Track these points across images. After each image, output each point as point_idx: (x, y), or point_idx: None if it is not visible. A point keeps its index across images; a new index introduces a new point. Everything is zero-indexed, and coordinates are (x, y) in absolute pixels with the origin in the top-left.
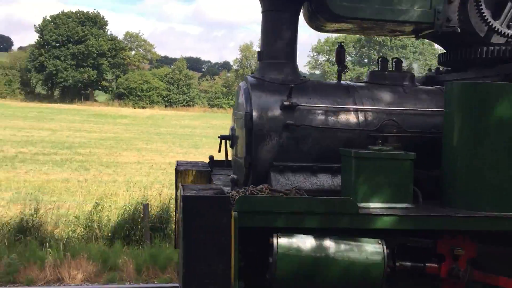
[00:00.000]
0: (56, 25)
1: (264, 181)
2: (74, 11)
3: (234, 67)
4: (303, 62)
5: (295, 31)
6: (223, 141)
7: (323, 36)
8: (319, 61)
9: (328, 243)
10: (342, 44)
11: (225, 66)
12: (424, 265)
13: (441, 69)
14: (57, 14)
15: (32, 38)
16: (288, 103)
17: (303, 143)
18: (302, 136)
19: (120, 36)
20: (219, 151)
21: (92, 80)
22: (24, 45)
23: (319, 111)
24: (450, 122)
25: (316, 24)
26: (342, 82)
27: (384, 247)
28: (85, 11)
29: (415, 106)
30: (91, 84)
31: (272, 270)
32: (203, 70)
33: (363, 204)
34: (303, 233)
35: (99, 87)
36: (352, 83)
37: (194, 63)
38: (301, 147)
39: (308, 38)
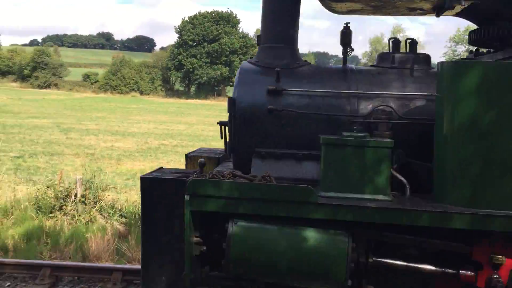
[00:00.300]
0: (193, 25)
1: (247, 168)
2: (209, 11)
3: (363, 60)
4: (439, 53)
5: (296, 14)
6: (223, 127)
7: (462, 24)
8: (457, 52)
9: (285, 232)
10: (348, 25)
11: (353, 60)
12: (457, 272)
13: (480, 50)
14: (194, 15)
15: (172, 38)
16: (273, 87)
17: (287, 129)
18: (286, 121)
19: (251, 34)
20: (221, 137)
21: (224, 77)
22: (165, 45)
23: (306, 96)
24: (440, 108)
25: (325, 4)
26: (345, 66)
27: (349, 240)
28: (219, 10)
29: (419, 90)
30: (223, 81)
31: (226, 256)
32: (330, 64)
33: (331, 194)
34: (265, 220)
35: (231, 83)
36: (354, 67)
37: (321, 58)
38: (285, 133)
39: (444, 28)
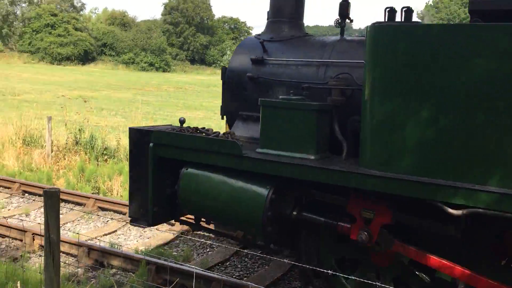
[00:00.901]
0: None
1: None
2: None
3: None
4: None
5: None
6: None
7: None
8: None
9: (221, 180)
10: None
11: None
12: (336, 223)
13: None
14: None
15: None
16: (254, 57)
17: (264, 95)
18: (264, 88)
19: None
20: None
21: None
22: None
23: (283, 65)
24: (365, 72)
25: None
26: (336, 37)
27: (270, 192)
28: None
29: None
30: None
31: (177, 196)
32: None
33: (263, 150)
34: (212, 169)
35: None
36: (346, 38)
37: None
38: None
39: None
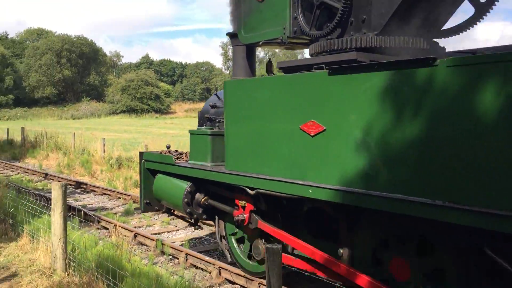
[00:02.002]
0: None
1: None
2: None
3: None
4: None
5: (253, 56)
6: None
7: None
8: None
9: (169, 180)
10: (270, 59)
11: None
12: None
13: None
14: None
15: None
16: (212, 103)
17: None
18: (212, 122)
19: None
20: None
21: None
22: None
23: (220, 108)
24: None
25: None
26: None
27: (187, 187)
28: None
29: None
30: None
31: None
32: None
33: (192, 161)
34: (167, 174)
35: None
36: None
37: None
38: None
39: None
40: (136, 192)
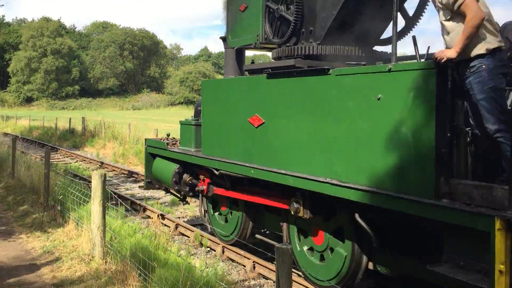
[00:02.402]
0: None
1: None
2: None
3: None
4: None
5: (242, 57)
6: None
7: None
8: None
9: (164, 162)
10: (253, 61)
11: None
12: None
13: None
14: None
15: None
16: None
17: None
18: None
19: None
20: None
21: None
22: None
23: None
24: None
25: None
26: None
27: (175, 168)
28: None
29: None
30: None
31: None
32: None
33: (181, 147)
34: (164, 158)
35: None
36: None
37: None
38: None
39: None
40: None
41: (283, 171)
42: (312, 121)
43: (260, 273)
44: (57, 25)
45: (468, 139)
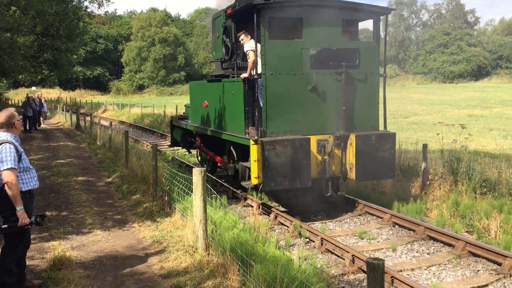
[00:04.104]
0: None
1: None
2: None
3: None
4: None
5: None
6: None
7: None
8: None
9: (177, 129)
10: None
11: None
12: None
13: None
14: None
15: None
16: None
17: None
18: None
19: None
20: None
21: None
22: None
23: None
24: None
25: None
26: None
27: (181, 132)
28: None
29: None
30: None
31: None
32: None
33: (186, 120)
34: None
35: None
36: None
37: None
38: None
39: None
40: None
41: (222, 132)
42: (219, 103)
43: (360, 267)
44: (163, 15)
45: (256, 108)
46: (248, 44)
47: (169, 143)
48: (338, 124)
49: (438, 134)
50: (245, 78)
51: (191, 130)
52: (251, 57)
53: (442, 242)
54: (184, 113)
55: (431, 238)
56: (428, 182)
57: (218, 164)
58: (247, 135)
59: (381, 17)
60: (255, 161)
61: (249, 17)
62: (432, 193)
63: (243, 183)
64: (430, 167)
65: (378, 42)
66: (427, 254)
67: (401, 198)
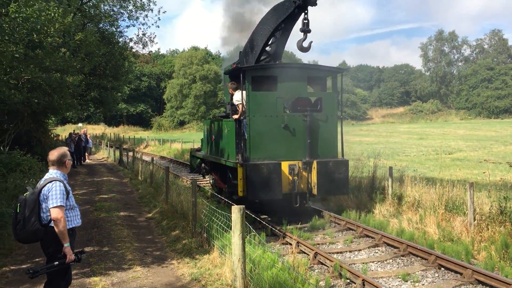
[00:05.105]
0: None
1: None
2: None
3: None
4: None
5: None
6: None
7: None
8: None
9: (195, 158)
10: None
11: None
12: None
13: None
14: None
15: None
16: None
17: None
18: None
19: None
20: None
21: None
22: None
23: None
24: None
25: None
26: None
27: (199, 161)
28: None
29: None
30: None
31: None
32: None
33: (201, 151)
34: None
35: None
36: None
37: None
38: None
39: None
40: (317, 206)
41: (220, 158)
42: (219, 137)
43: None
44: (204, 53)
45: (242, 141)
46: (235, 98)
47: (209, 180)
48: (305, 153)
49: (484, 172)
50: (236, 119)
51: (201, 158)
52: (239, 108)
53: (491, 286)
54: (201, 146)
55: (479, 282)
56: (475, 222)
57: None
58: (236, 160)
59: (338, 74)
60: (240, 179)
61: (239, 76)
62: (479, 234)
63: (234, 196)
64: (477, 207)
65: (337, 92)
66: None
67: (448, 238)
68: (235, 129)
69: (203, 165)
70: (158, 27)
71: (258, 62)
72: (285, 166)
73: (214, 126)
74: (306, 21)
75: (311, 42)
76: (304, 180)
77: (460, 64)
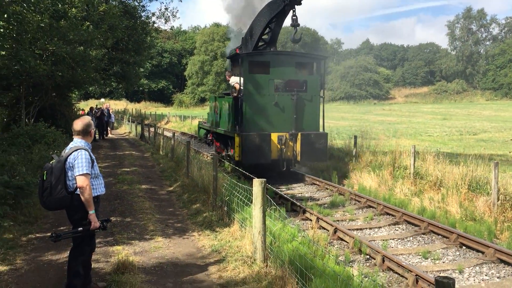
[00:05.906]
0: None
1: None
2: None
3: None
4: None
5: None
6: None
7: None
8: None
9: (202, 130)
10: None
11: None
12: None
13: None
14: None
15: None
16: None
17: None
18: None
19: None
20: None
21: None
22: None
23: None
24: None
25: None
26: None
27: (205, 132)
28: None
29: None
30: None
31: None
32: None
33: (207, 123)
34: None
35: None
36: None
37: None
38: None
39: None
40: (342, 183)
41: (221, 129)
42: (221, 111)
43: None
44: (225, 30)
45: (239, 115)
46: (232, 81)
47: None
48: (291, 126)
49: (511, 152)
50: (234, 96)
51: (207, 129)
52: (236, 87)
53: None
54: (207, 119)
55: (501, 261)
56: (499, 202)
57: (218, 151)
58: (234, 131)
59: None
60: (237, 146)
61: (238, 60)
62: (502, 214)
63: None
64: (501, 187)
65: (320, 75)
66: (497, 278)
67: (470, 218)
68: (234, 105)
69: (208, 135)
70: (181, 1)
71: (256, 48)
72: (274, 136)
73: (218, 102)
74: (295, 17)
75: (302, 34)
76: (290, 148)
77: (487, 43)
